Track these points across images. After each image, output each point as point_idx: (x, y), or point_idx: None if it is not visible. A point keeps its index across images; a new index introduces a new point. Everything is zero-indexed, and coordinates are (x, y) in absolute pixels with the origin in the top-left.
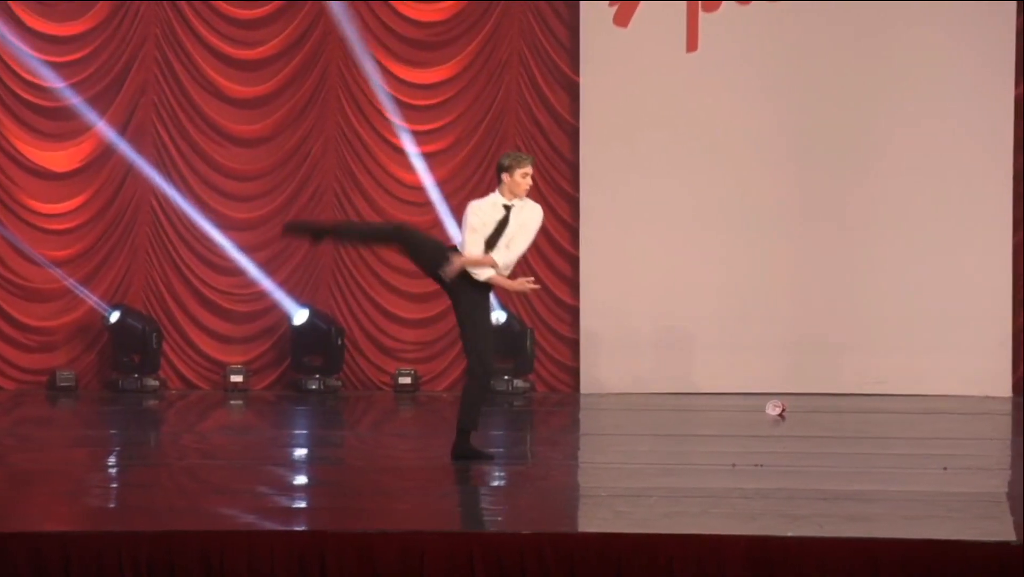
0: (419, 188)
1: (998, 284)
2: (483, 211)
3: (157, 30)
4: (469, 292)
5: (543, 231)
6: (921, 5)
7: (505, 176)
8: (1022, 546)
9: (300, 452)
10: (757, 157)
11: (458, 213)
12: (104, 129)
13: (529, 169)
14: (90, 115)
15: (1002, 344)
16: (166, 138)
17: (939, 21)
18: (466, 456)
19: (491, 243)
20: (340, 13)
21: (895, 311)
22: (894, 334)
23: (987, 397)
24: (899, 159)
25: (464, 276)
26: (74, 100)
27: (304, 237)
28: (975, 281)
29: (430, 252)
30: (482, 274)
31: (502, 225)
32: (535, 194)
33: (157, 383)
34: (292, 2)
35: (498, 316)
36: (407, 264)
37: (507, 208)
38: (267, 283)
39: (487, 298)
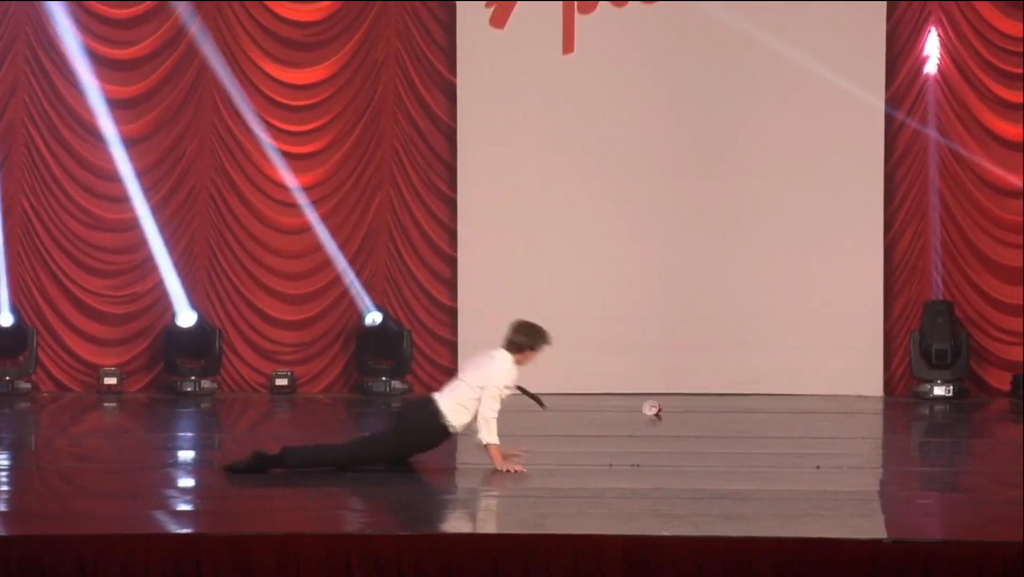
0: (295, 189)
1: (869, 284)
2: (512, 380)
3: (28, 29)
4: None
5: (421, 233)
6: (794, 6)
7: (528, 353)
8: (892, 543)
9: (175, 455)
10: (633, 159)
11: (331, 218)
12: None
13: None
14: None
15: (873, 344)
16: (37, 138)
17: (811, 23)
18: (244, 469)
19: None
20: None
21: (769, 311)
22: (768, 334)
23: (859, 396)
24: (772, 160)
25: (440, 424)
26: None
27: (250, 469)
28: (847, 281)
29: (415, 438)
30: (487, 438)
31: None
32: (411, 195)
33: (29, 385)
34: (166, 1)
35: (374, 317)
36: (284, 266)
37: (521, 390)
38: (143, 285)
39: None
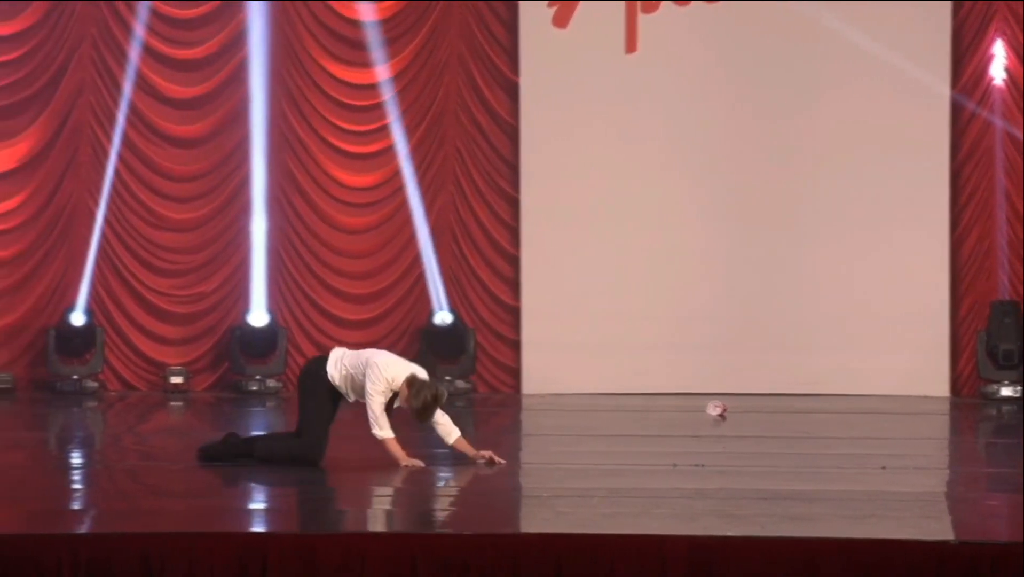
0: (358, 189)
1: (935, 283)
2: (385, 387)
3: (93, 30)
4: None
5: (484, 232)
6: (859, 5)
7: (407, 393)
8: (959, 545)
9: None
10: (695, 157)
11: (400, 214)
12: (41, 129)
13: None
14: (26, 115)
15: (939, 344)
16: (103, 138)
17: (876, 23)
18: (214, 457)
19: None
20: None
21: (834, 311)
22: (833, 334)
23: (925, 397)
24: (837, 159)
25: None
26: (10, 100)
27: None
28: (913, 280)
29: (321, 409)
30: (380, 433)
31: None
32: (474, 195)
33: (96, 385)
34: (230, 2)
35: (444, 316)
36: (348, 266)
37: (391, 402)
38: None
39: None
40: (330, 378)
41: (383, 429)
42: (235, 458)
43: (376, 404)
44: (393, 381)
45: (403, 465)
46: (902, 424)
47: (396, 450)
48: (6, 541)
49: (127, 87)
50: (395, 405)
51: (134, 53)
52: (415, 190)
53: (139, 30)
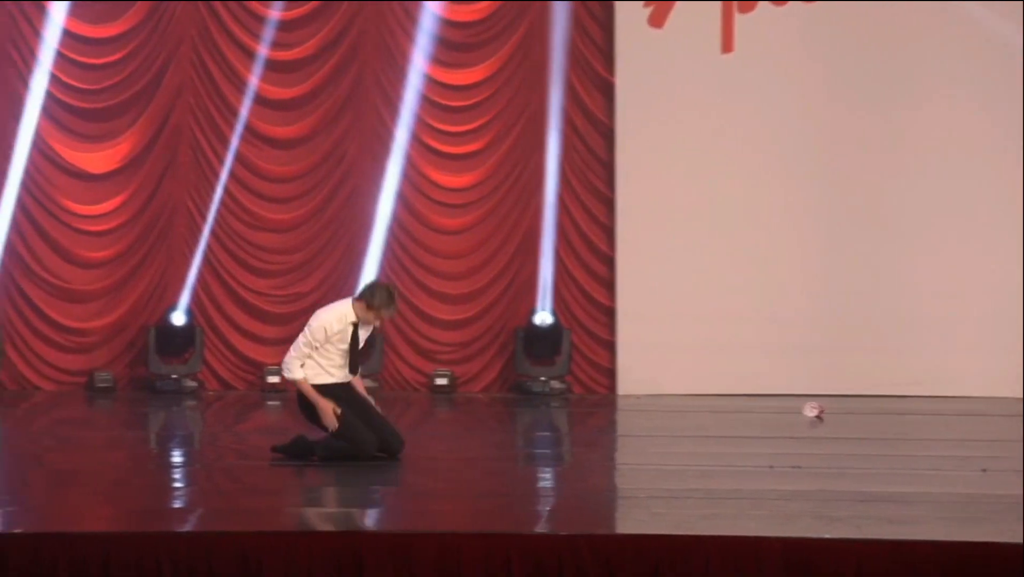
0: (454, 190)
1: None
2: (321, 336)
3: (193, 31)
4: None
5: (579, 233)
6: (955, 5)
7: (368, 305)
8: None
9: None
10: (791, 158)
11: (490, 218)
12: (141, 130)
13: (390, 317)
14: (127, 117)
15: None
16: (201, 140)
17: (978, 21)
18: (286, 455)
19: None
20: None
21: (933, 312)
22: (932, 335)
23: None
24: (937, 158)
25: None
26: (111, 102)
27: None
28: (1013, 281)
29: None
30: (292, 375)
31: (354, 339)
32: (569, 195)
33: (195, 384)
34: (328, 2)
35: (543, 317)
36: (444, 266)
37: (355, 326)
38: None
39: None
40: (301, 381)
41: (293, 372)
42: (303, 457)
43: (295, 350)
44: (332, 325)
45: (321, 406)
46: (1001, 426)
47: (310, 391)
48: (107, 539)
49: (225, 88)
50: (367, 332)
51: (232, 54)
52: (511, 191)
53: (236, 31)
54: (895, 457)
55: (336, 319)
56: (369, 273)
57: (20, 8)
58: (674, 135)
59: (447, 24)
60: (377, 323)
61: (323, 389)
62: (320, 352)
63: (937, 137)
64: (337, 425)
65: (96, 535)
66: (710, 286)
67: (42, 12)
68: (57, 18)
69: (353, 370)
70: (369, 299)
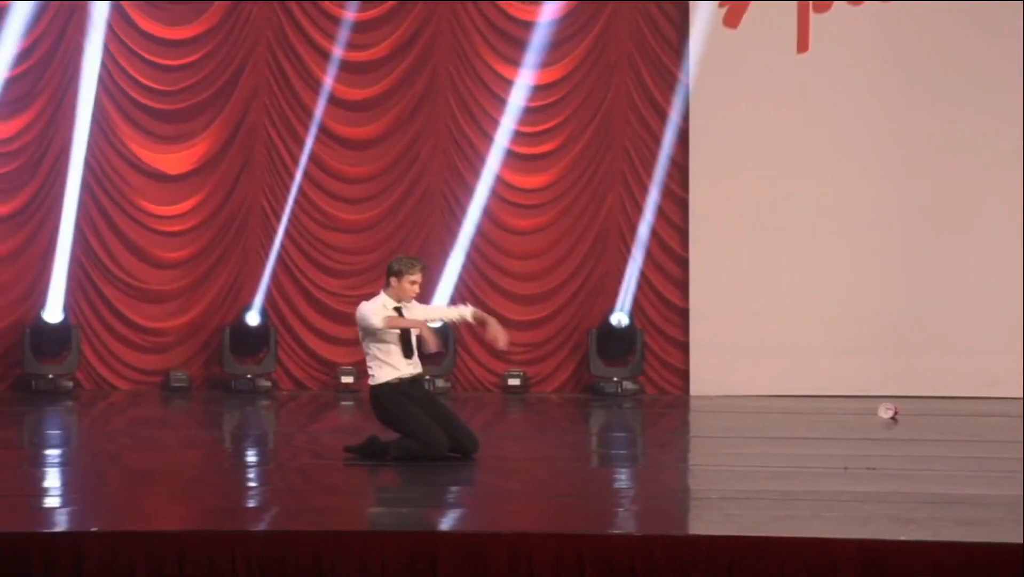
0: (527, 190)
1: None
2: (376, 313)
3: (268, 33)
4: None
5: (652, 233)
6: None
7: (394, 280)
8: None
9: None
10: (867, 158)
11: (563, 219)
12: (217, 132)
13: (418, 277)
14: (203, 118)
15: None
16: (276, 140)
17: None
18: (359, 455)
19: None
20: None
21: (1008, 312)
22: (1008, 336)
23: None
24: (1011, 160)
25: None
26: (188, 103)
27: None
28: None
29: (405, 412)
30: (380, 324)
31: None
32: (642, 196)
33: (269, 384)
34: (402, 3)
35: (620, 318)
36: (517, 267)
37: (397, 310)
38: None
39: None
40: (378, 384)
41: (380, 322)
42: (376, 457)
43: (375, 321)
44: (386, 303)
45: (420, 327)
46: None
47: (403, 322)
48: (183, 537)
49: (300, 89)
50: (405, 311)
51: (307, 55)
52: (584, 191)
53: (311, 32)
54: (971, 459)
55: (377, 309)
56: (442, 274)
57: (96, 9)
58: (748, 135)
59: (521, 24)
60: (414, 291)
61: (394, 387)
62: (380, 348)
63: (1013, 136)
64: (439, 343)
65: (171, 534)
66: (783, 287)
67: (120, 14)
68: (135, 20)
69: (408, 354)
70: (392, 273)
